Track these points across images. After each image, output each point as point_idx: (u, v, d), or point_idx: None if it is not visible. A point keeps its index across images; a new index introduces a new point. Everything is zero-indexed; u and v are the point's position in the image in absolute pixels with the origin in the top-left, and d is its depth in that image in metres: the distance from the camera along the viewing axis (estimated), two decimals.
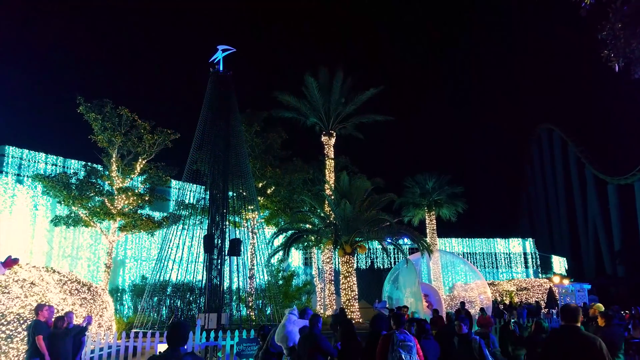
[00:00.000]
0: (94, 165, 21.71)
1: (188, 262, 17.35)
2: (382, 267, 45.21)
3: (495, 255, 54.10)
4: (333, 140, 28.22)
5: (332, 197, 22.88)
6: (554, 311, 24.25)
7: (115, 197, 20.97)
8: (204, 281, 16.94)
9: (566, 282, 24.28)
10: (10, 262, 5.95)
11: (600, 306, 10.63)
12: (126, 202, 21.04)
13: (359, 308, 22.56)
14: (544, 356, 4.90)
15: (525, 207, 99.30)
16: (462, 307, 16.31)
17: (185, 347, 4.09)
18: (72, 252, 24.65)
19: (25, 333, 9.80)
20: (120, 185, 21.27)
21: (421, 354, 6.19)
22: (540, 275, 53.42)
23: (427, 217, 34.38)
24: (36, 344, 8.41)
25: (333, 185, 25.50)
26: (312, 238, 24.85)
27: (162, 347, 9.63)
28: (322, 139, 28.25)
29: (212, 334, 13.02)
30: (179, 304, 17.81)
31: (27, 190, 22.34)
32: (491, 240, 54.55)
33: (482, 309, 16.95)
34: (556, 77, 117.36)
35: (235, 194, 18.88)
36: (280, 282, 22.71)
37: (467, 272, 32.83)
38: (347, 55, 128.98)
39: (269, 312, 18.57)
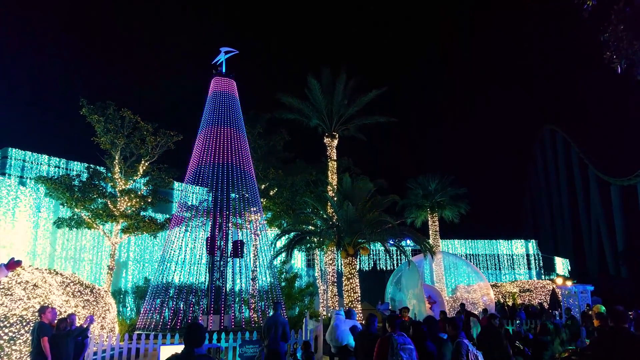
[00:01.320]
0: (97, 167, 21.73)
1: (191, 264, 17.36)
2: (384, 268, 45.26)
3: (498, 256, 54.12)
4: (336, 141, 28.17)
5: (335, 198, 22.84)
6: (557, 312, 24.16)
7: (118, 199, 21.00)
8: (206, 283, 16.95)
9: (569, 283, 24.16)
10: (13, 264, 5.94)
11: (600, 307, 10.59)
12: (129, 204, 21.06)
13: (362, 310, 22.53)
14: (594, 357, 4.96)
15: (528, 209, 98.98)
16: (462, 308, 16.20)
17: (201, 348, 4.12)
18: (74, 254, 24.75)
19: (28, 335, 9.83)
20: (123, 187, 21.30)
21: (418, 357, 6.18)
22: (543, 276, 53.39)
23: (429, 218, 34.37)
24: (41, 346, 8.42)
25: (335, 186, 25.47)
26: (315, 240, 24.78)
27: (165, 349, 9.65)
28: (325, 141, 28.21)
29: (215, 336, 13.05)
30: (181, 306, 17.79)
31: (29, 192, 22.43)
32: (494, 241, 54.57)
33: (484, 310, 16.93)
34: (558, 79, 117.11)
35: (238, 196, 18.89)
36: (283, 283, 22.69)
37: (470, 274, 32.76)
38: (350, 56, 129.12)
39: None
